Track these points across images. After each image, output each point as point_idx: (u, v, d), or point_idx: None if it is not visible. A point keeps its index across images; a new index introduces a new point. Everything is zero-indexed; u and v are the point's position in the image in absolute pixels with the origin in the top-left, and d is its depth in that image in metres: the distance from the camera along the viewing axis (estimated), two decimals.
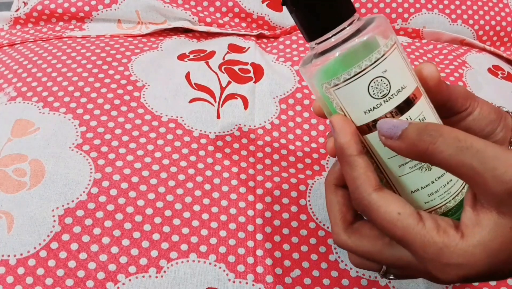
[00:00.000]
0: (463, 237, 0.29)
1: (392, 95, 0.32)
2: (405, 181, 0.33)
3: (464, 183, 0.34)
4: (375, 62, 0.31)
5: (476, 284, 0.45)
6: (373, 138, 0.33)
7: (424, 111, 0.33)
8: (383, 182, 0.34)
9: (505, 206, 0.28)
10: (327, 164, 0.51)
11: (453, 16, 0.69)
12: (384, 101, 0.32)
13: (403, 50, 0.33)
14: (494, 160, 0.28)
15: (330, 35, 0.32)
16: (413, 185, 0.33)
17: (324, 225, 0.47)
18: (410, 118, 0.32)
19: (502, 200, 0.28)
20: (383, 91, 0.32)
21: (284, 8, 0.47)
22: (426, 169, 0.33)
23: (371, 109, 0.32)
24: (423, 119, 0.33)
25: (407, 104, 0.32)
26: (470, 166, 0.28)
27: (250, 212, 0.47)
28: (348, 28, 0.32)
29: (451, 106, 0.37)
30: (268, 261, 0.44)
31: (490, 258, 0.29)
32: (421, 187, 0.33)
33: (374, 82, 0.31)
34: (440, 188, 0.33)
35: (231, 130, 0.52)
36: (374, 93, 0.32)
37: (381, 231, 0.32)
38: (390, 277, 0.36)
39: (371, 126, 0.32)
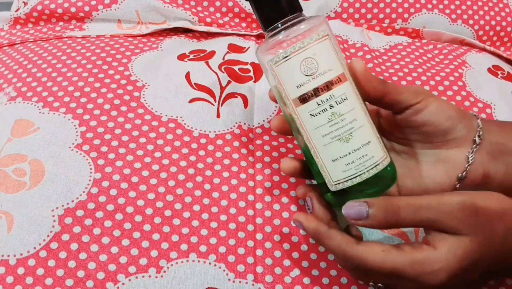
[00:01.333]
0: (436, 249, 0.37)
1: (319, 74, 0.39)
2: (327, 150, 0.40)
3: (378, 160, 0.40)
4: (307, 45, 0.39)
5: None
6: (303, 110, 0.40)
7: (347, 92, 0.40)
8: (312, 152, 0.41)
9: (460, 231, 0.37)
10: None
11: (453, 16, 0.69)
12: (312, 78, 0.39)
13: (336, 43, 0.41)
14: (442, 205, 0.37)
15: (278, 24, 0.40)
16: (334, 154, 0.40)
17: None
18: (333, 96, 0.39)
19: (458, 229, 0.37)
20: (311, 70, 0.39)
21: None
22: (344, 140, 0.39)
23: (302, 84, 0.39)
24: (345, 99, 0.39)
25: (332, 83, 0.39)
26: (428, 219, 0.38)
27: (250, 212, 0.47)
28: (293, 20, 0.40)
29: (396, 99, 0.42)
30: (268, 261, 0.44)
31: (460, 262, 0.37)
32: (340, 157, 0.40)
33: (305, 62, 0.39)
34: (356, 159, 0.40)
35: (231, 128, 0.52)
36: (304, 71, 0.39)
37: (375, 274, 0.39)
38: (379, 285, 0.41)
39: (301, 100, 0.40)
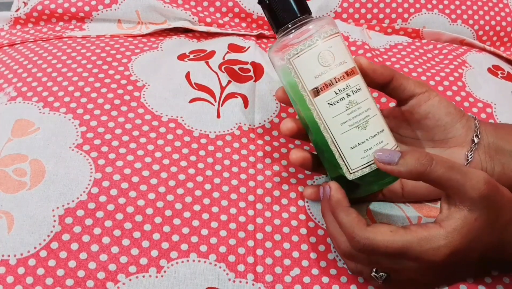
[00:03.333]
0: (442, 227, 0.39)
1: (335, 65, 0.41)
2: (346, 138, 0.42)
3: (392, 148, 0.42)
4: (323, 39, 0.41)
5: (471, 281, 0.45)
6: (320, 100, 0.42)
7: (360, 84, 0.42)
8: (329, 141, 0.42)
9: (474, 205, 0.38)
10: None
11: (453, 16, 0.69)
12: (329, 69, 0.41)
13: (345, 42, 0.43)
14: (470, 174, 0.38)
15: (289, 25, 0.43)
16: (352, 141, 0.42)
17: (322, 224, 0.47)
18: (349, 85, 0.42)
19: (474, 201, 0.38)
20: (328, 61, 0.41)
21: None
22: (362, 128, 0.42)
23: (319, 74, 0.41)
24: (359, 89, 0.42)
25: (347, 74, 0.42)
26: (456, 179, 0.38)
27: (250, 212, 0.47)
28: (303, 21, 0.42)
29: (402, 84, 0.45)
30: (268, 260, 0.44)
31: (462, 239, 0.39)
32: (358, 143, 0.42)
33: (322, 53, 0.41)
34: (373, 145, 0.42)
35: (231, 129, 0.52)
36: (322, 62, 0.41)
37: (382, 255, 0.40)
38: (381, 274, 0.41)
39: (319, 90, 0.42)
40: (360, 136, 0.41)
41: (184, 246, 0.44)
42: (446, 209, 0.40)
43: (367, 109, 0.42)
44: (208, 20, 0.66)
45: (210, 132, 0.51)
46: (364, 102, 0.42)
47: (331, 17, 0.44)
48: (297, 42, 0.42)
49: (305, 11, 0.43)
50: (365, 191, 0.44)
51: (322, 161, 0.45)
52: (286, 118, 0.46)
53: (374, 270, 0.41)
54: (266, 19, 0.45)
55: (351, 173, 0.42)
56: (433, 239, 0.39)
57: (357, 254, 0.41)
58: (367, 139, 0.41)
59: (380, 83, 0.45)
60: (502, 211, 0.39)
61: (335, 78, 0.41)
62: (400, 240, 0.39)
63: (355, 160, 0.42)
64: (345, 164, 0.42)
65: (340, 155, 0.42)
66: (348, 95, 0.41)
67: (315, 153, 0.46)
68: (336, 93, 0.41)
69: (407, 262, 0.40)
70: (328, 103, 0.41)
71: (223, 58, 0.59)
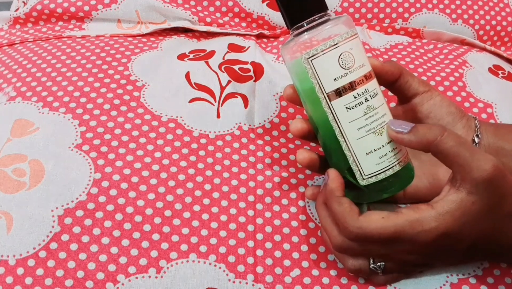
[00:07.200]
0: (433, 208, 0.39)
1: (355, 68, 0.40)
2: (362, 143, 0.41)
3: (404, 154, 0.42)
4: (344, 40, 0.40)
5: (473, 282, 0.45)
6: (338, 104, 0.40)
7: (377, 88, 0.41)
8: (343, 146, 0.41)
9: (475, 187, 0.38)
10: None
11: (454, 16, 0.69)
12: (349, 72, 0.40)
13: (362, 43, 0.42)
14: (479, 154, 0.38)
15: (304, 23, 0.41)
16: (368, 147, 0.41)
17: None
18: (368, 89, 0.40)
19: (476, 183, 0.37)
20: (349, 63, 0.40)
21: None
22: (378, 133, 0.41)
23: (339, 77, 0.40)
24: (376, 94, 0.41)
25: (366, 78, 0.41)
26: (464, 156, 0.38)
27: (250, 212, 0.46)
28: (319, 20, 0.41)
29: (409, 82, 0.45)
30: (268, 261, 0.44)
31: (455, 222, 0.38)
32: (374, 149, 0.41)
33: (343, 55, 0.40)
34: (388, 152, 0.41)
35: (231, 129, 0.52)
36: (342, 64, 0.40)
37: (376, 243, 0.40)
38: (379, 264, 0.41)
39: (338, 92, 0.40)
40: (376, 142, 0.41)
41: (184, 247, 0.44)
42: (445, 191, 0.39)
43: (383, 114, 0.41)
44: (208, 19, 0.65)
45: (210, 132, 0.51)
46: (380, 107, 0.41)
47: (349, 16, 0.42)
48: (316, 42, 0.40)
49: (323, 8, 0.41)
50: (372, 197, 0.43)
51: (330, 163, 0.44)
52: (296, 119, 0.45)
53: (371, 261, 0.41)
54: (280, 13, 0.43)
55: (364, 179, 0.41)
56: (424, 221, 0.38)
57: (349, 245, 0.41)
58: (383, 146, 0.41)
59: (389, 81, 0.45)
60: (506, 199, 0.39)
61: (355, 81, 0.40)
62: (392, 225, 0.39)
63: (370, 166, 0.41)
64: (359, 170, 0.41)
65: (354, 160, 0.41)
66: (366, 100, 0.40)
67: (321, 153, 0.46)
68: (355, 97, 0.40)
69: (401, 244, 0.39)
70: (346, 108, 0.40)
71: (223, 58, 0.59)
